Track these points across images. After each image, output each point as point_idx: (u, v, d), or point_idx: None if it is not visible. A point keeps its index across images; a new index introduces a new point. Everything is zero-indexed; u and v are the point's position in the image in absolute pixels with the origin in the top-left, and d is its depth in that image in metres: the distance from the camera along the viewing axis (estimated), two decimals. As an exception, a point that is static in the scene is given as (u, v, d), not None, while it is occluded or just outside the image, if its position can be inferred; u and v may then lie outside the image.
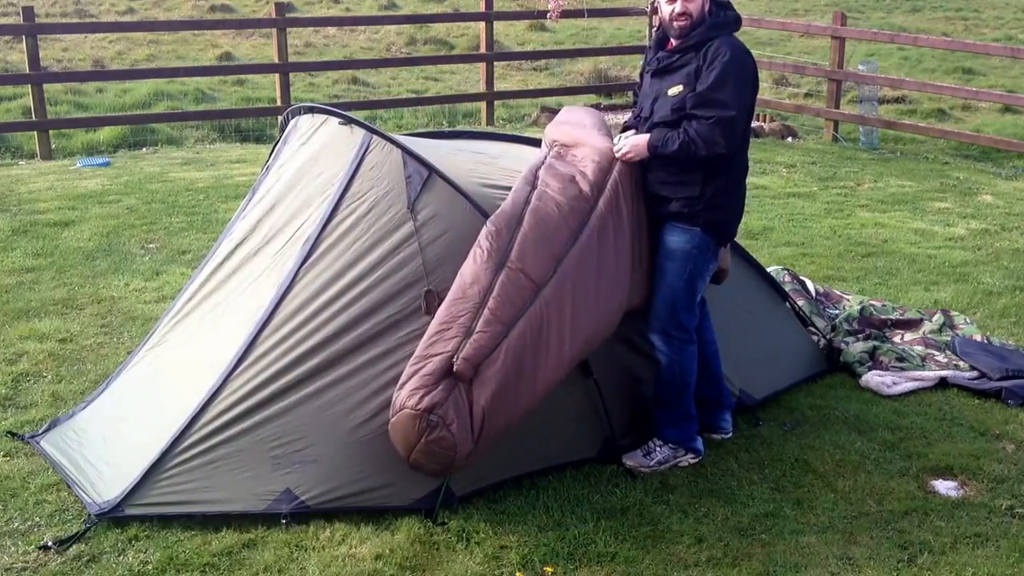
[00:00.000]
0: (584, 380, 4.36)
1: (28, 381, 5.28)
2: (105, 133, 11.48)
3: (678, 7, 4.27)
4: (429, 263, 4.14)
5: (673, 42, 4.37)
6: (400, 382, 3.87)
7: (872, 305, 6.18)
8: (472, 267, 4.00)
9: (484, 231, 4.07)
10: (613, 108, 12.97)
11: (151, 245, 7.60)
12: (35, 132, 10.84)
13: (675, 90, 4.27)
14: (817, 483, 4.43)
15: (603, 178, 4.30)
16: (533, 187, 4.24)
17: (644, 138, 4.28)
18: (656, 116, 4.33)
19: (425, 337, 3.92)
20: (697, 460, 4.54)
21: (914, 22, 21.58)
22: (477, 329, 3.87)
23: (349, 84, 15.06)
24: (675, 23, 4.29)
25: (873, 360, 5.54)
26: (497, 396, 3.83)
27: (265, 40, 17.66)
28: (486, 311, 3.90)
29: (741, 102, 4.19)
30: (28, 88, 10.99)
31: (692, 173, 4.27)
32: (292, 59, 13.54)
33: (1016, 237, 8.26)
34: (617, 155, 4.31)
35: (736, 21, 4.35)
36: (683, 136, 4.19)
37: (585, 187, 4.25)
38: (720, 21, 4.29)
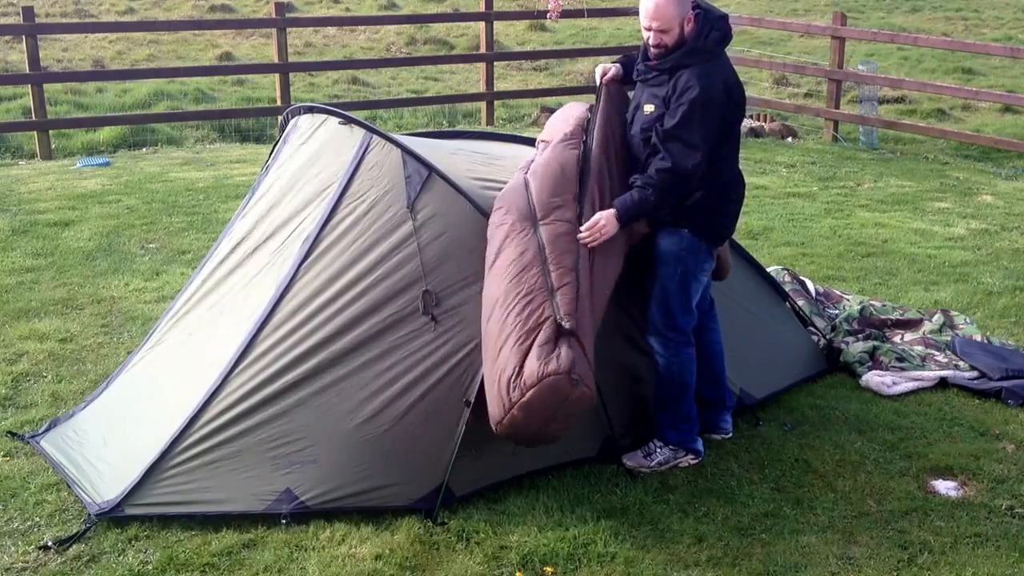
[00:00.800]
0: (584, 380, 4.36)
1: (28, 381, 5.28)
2: (105, 133, 11.48)
3: (652, 38, 4.25)
4: (428, 263, 4.14)
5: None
6: (513, 365, 3.78)
7: (872, 305, 6.18)
8: (510, 246, 4.02)
9: (495, 216, 4.13)
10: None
11: (151, 245, 7.60)
12: (35, 132, 10.84)
13: (648, 108, 4.28)
14: (817, 483, 4.43)
15: (584, 123, 4.35)
16: (527, 171, 4.28)
17: (609, 213, 4.14)
18: (633, 128, 4.34)
19: (507, 320, 3.87)
20: (697, 461, 4.54)
21: (914, 22, 21.57)
22: (556, 286, 3.91)
23: (349, 84, 15.06)
24: (652, 49, 4.28)
25: (873, 360, 5.53)
26: (591, 340, 3.92)
27: (265, 40, 17.66)
28: (552, 267, 3.95)
29: (706, 135, 4.16)
30: (28, 88, 10.99)
31: None
32: (292, 59, 13.55)
33: (1016, 237, 8.26)
34: (586, 236, 4.10)
35: (720, 42, 4.26)
36: (653, 193, 4.15)
37: (569, 128, 4.30)
38: (699, 47, 4.20)
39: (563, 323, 3.83)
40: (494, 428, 3.91)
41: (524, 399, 3.75)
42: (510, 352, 3.83)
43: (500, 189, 4.38)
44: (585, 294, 3.97)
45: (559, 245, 4.01)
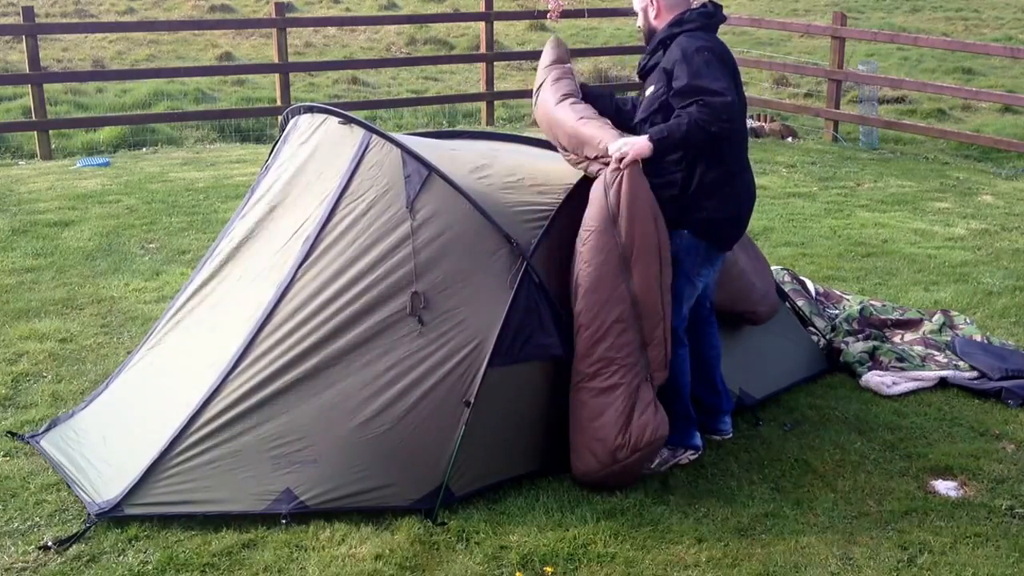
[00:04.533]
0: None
1: (28, 381, 5.28)
2: (105, 133, 11.48)
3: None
4: (421, 265, 4.14)
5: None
6: (619, 427, 4.12)
7: (872, 305, 6.18)
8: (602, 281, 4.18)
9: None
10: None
11: (151, 245, 7.60)
12: (35, 132, 10.84)
13: (650, 90, 4.35)
14: (817, 483, 4.42)
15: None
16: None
17: (641, 138, 4.15)
18: (639, 115, 4.41)
19: (600, 371, 4.16)
20: (697, 455, 4.53)
21: (914, 22, 21.58)
22: (648, 341, 4.21)
23: (349, 84, 15.06)
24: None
25: (873, 360, 5.53)
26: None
27: (265, 40, 17.66)
28: (644, 321, 4.21)
29: (726, 84, 4.11)
30: (28, 88, 10.99)
31: (673, 174, 4.28)
32: (292, 59, 13.55)
33: (1016, 237, 8.26)
34: (617, 160, 4.11)
35: (702, 17, 4.31)
36: (687, 120, 4.07)
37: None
38: (684, 19, 4.32)
39: (654, 380, 4.18)
40: (580, 477, 4.21)
41: (632, 459, 4.11)
42: (612, 410, 4.09)
43: (501, 188, 4.38)
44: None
45: (649, 297, 4.14)
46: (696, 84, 4.10)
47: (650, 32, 4.43)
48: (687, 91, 4.12)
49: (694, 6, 4.40)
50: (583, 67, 16.09)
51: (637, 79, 4.66)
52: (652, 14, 4.40)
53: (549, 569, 3.78)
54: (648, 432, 4.11)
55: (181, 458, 4.02)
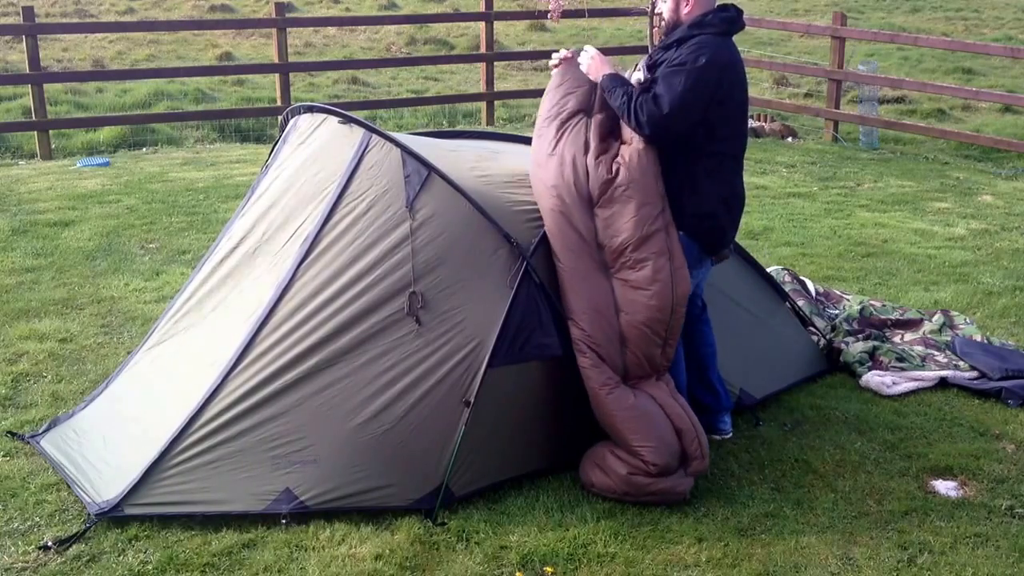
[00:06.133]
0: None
1: (28, 381, 5.28)
2: (105, 133, 11.49)
3: (656, 5, 4.50)
4: (425, 263, 4.14)
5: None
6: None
7: (872, 305, 6.18)
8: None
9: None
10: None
11: (151, 245, 7.60)
12: (35, 132, 10.84)
13: (637, 76, 4.37)
14: (817, 483, 4.42)
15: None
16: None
17: (605, 69, 4.36)
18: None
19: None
20: None
21: (914, 22, 21.58)
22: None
23: (349, 84, 15.07)
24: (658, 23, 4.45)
25: (873, 360, 5.53)
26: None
27: (265, 40, 17.67)
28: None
29: (682, 104, 4.15)
30: (28, 88, 11.00)
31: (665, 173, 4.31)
32: (292, 59, 13.55)
33: (1016, 237, 8.26)
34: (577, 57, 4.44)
35: (724, 23, 4.29)
36: (625, 99, 4.22)
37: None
38: (703, 21, 4.28)
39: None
40: (588, 488, 4.25)
41: (648, 496, 4.17)
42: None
43: (503, 186, 4.38)
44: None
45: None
46: (668, 78, 4.18)
47: (674, 25, 4.37)
48: (654, 84, 4.22)
49: (716, 6, 4.35)
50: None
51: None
52: (684, 9, 4.33)
53: (549, 569, 3.78)
54: (672, 487, 4.19)
55: (181, 458, 4.02)
